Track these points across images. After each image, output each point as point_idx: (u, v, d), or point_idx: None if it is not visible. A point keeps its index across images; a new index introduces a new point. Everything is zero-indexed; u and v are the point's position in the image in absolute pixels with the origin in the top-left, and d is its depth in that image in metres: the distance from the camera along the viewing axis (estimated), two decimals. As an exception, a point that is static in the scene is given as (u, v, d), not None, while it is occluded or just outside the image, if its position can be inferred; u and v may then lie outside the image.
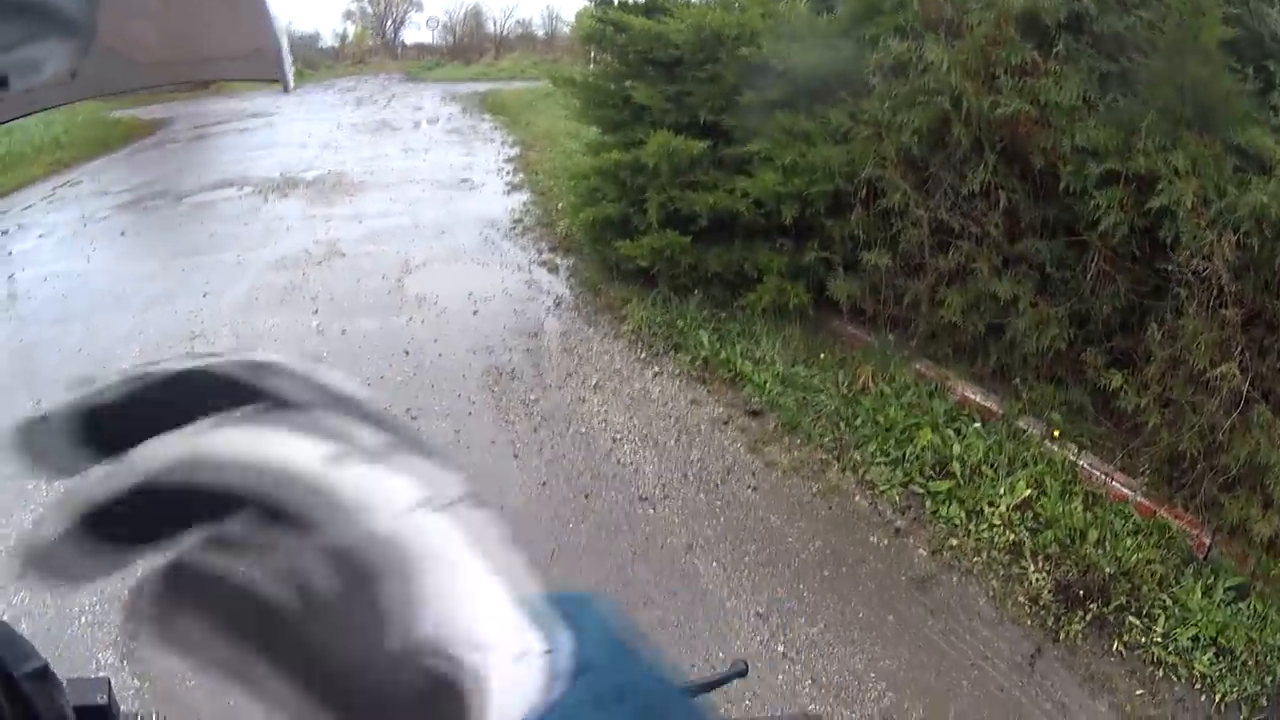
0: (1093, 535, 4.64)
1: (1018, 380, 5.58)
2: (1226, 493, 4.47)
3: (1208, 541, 4.59)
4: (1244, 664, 3.97)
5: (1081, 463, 5.12)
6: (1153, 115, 4.86)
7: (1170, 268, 4.70)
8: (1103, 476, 5.02)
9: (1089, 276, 5.22)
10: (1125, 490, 4.91)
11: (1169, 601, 4.28)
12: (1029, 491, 4.94)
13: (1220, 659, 4.01)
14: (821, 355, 6.57)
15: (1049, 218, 5.44)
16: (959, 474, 5.13)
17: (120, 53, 0.89)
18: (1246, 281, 4.49)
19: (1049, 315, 5.35)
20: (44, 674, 0.76)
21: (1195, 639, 4.10)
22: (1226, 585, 4.36)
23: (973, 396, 5.73)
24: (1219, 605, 4.24)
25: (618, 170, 7.43)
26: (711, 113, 7.12)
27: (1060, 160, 5.15)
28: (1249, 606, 4.23)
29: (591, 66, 9.51)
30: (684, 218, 7.07)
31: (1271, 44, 5.15)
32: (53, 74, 0.62)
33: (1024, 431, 5.38)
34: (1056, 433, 5.27)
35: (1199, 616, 4.17)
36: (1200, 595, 4.29)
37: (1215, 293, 4.52)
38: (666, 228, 7.11)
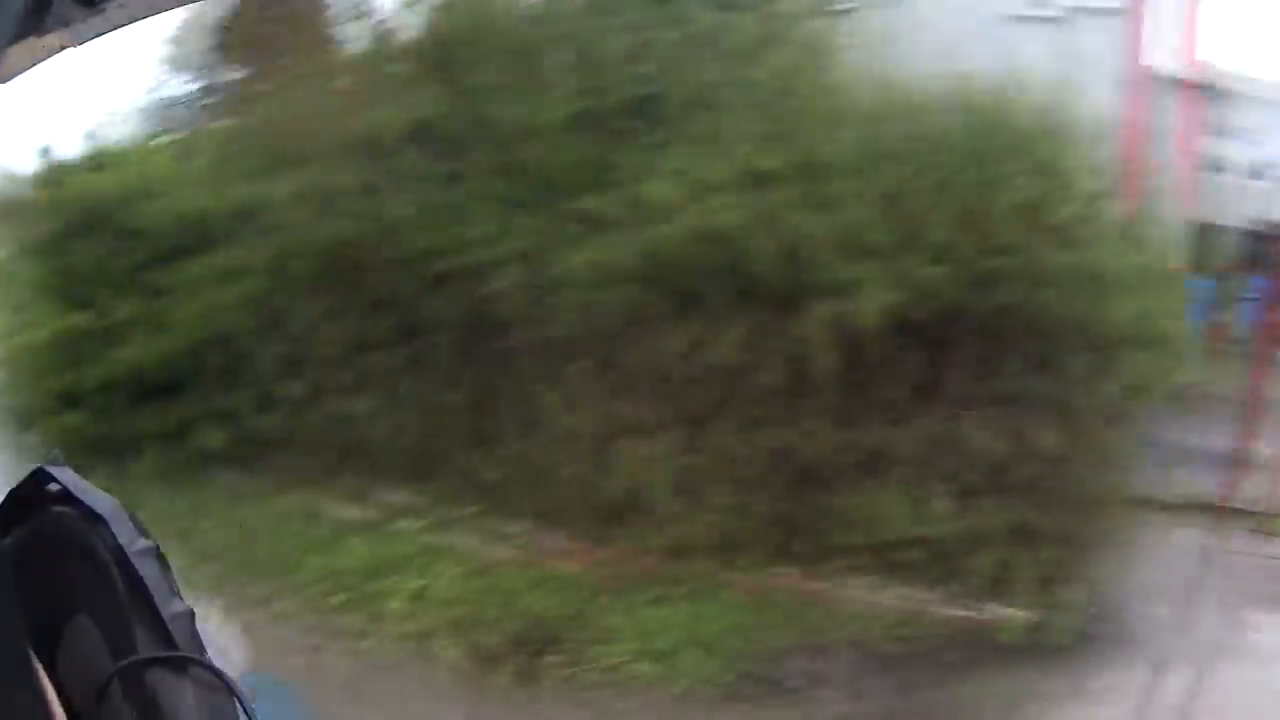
0: (491, 602, 4.96)
1: (386, 486, 5.74)
2: (617, 520, 5.04)
3: (614, 569, 5.11)
4: (690, 654, 4.61)
5: (464, 541, 5.40)
6: (488, 206, 5.33)
7: (512, 345, 5.19)
8: (485, 548, 5.35)
9: (438, 373, 5.53)
10: (511, 553, 5.30)
11: (591, 631, 4.74)
12: (423, 581, 5.12)
13: (661, 660, 4.57)
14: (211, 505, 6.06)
15: (393, 327, 5.65)
16: (355, 585, 5.18)
17: None
18: (597, 336, 5.05)
19: (405, 418, 5.59)
20: (155, 553, 0.85)
21: (634, 652, 4.61)
22: (647, 600, 4.94)
23: (352, 513, 5.76)
24: (643, 618, 4.81)
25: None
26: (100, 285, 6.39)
27: (398, 270, 5.43)
28: (675, 609, 4.88)
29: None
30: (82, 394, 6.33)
31: (635, 102, 5.57)
32: None
33: (406, 530, 5.52)
34: (425, 521, 5.50)
35: (626, 632, 4.69)
36: (622, 615, 4.81)
37: (560, 352, 5.08)
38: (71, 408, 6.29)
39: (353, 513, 5.75)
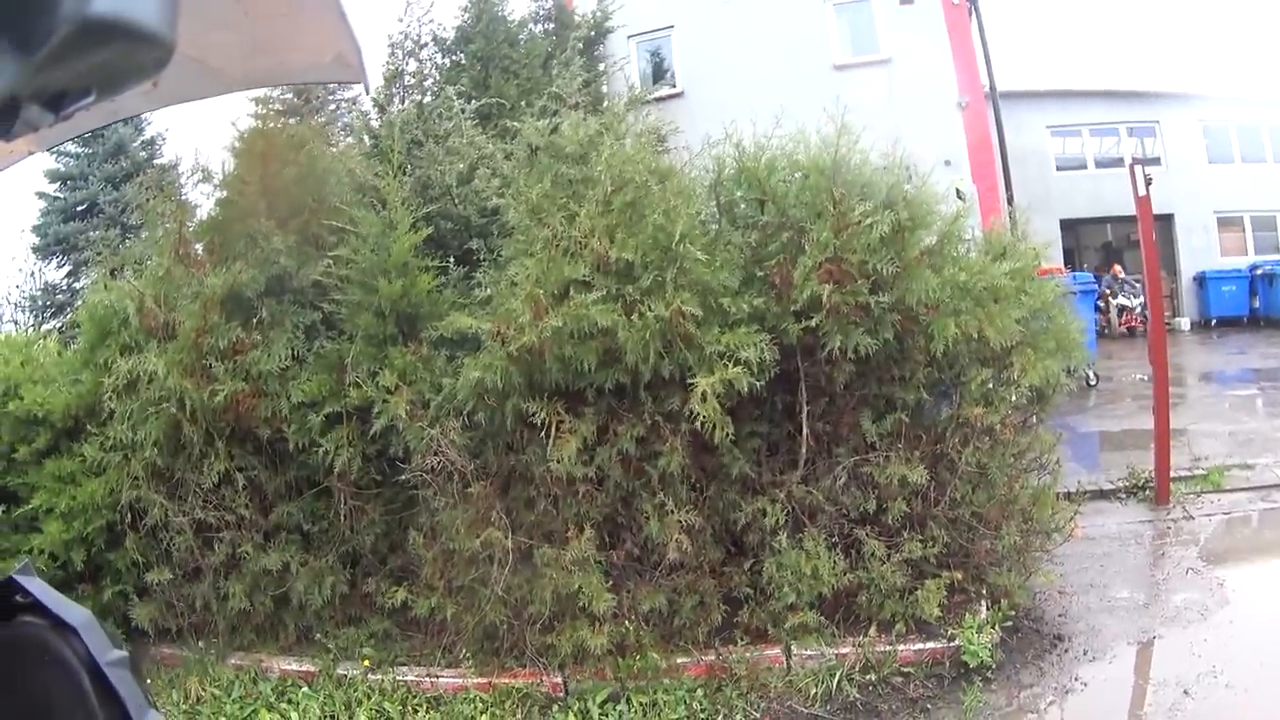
0: None
1: (321, 635, 5.67)
2: (554, 629, 5.06)
3: (561, 680, 5.15)
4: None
5: (408, 678, 5.37)
6: (359, 346, 5.37)
7: (412, 476, 5.13)
8: (431, 681, 5.32)
9: (343, 518, 5.51)
10: (458, 681, 5.27)
11: None
12: None
13: None
14: (149, 681, 5.88)
15: (292, 480, 5.63)
16: None
17: (202, 61, 1.05)
18: (489, 453, 5.15)
19: (321, 567, 5.55)
20: (127, 663, 0.87)
21: None
22: (600, 701, 4.99)
23: (290, 667, 5.69)
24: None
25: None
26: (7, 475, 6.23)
27: (284, 423, 5.38)
28: (631, 704, 4.95)
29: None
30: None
31: (478, 221, 5.90)
32: (135, 82, 0.63)
33: (346, 676, 5.45)
34: (366, 663, 5.47)
35: None
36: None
37: (458, 478, 5.07)
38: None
39: (296, 665, 5.65)
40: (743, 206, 5.42)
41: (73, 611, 0.90)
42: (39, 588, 0.93)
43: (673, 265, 4.76)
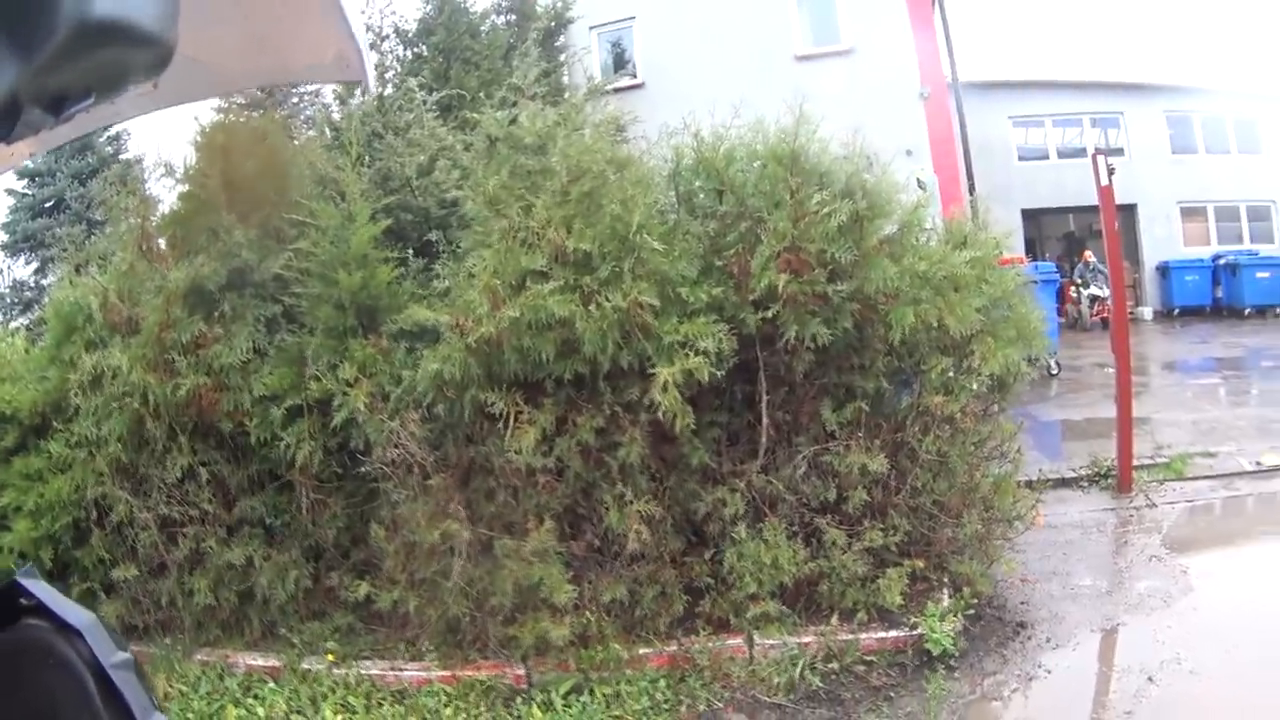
0: None
1: (286, 630, 5.61)
2: (516, 620, 5.02)
3: (524, 672, 5.11)
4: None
5: (372, 672, 5.30)
6: (319, 339, 5.32)
7: (373, 469, 5.13)
8: (395, 674, 5.27)
9: (306, 511, 5.47)
10: (422, 674, 5.21)
11: None
12: (341, 718, 5.00)
13: None
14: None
15: (254, 474, 5.59)
16: None
17: (202, 62, 1.05)
18: (449, 445, 5.13)
19: (284, 561, 5.49)
20: (132, 666, 0.87)
21: None
22: (563, 693, 4.94)
23: (255, 662, 5.64)
24: (566, 711, 4.81)
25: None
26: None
27: (246, 416, 5.35)
28: (594, 696, 4.90)
29: None
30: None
31: (438, 212, 5.86)
32: (135, 84, 0.63)
33: (311, 671, 5.39)
34: (330, 657, 5.41)
35: None
36: (539, 712, 4.80)
37: (418, 470, 5.04)
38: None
39: (262, 660, 5.58)
40: (701, 196, 5.36)
41: (77, 614, 0.90)
42: (43, 590, 0.95)
43: (630, 255, 4.71)
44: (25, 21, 0.54)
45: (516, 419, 4.78)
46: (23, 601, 0.94)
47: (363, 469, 5.19)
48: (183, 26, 0.62)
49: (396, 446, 4.99)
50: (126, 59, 0.59)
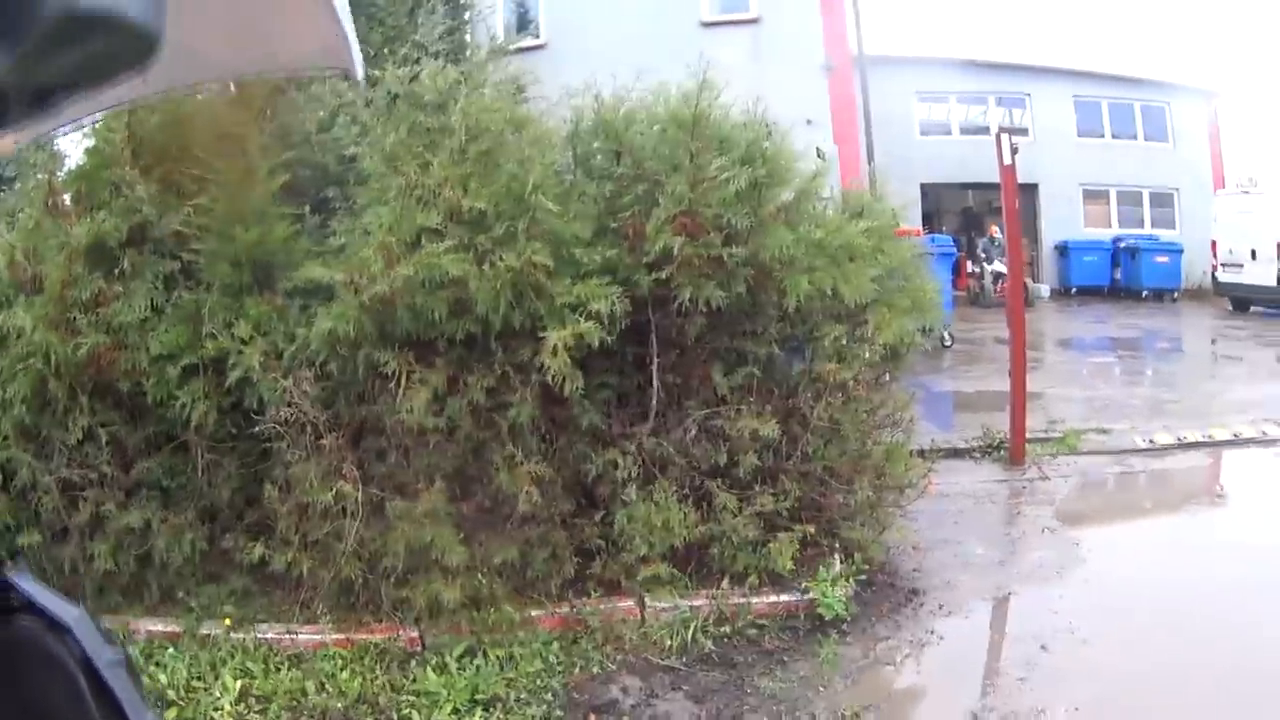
0: (311, 688, 4.77)
1: (184, 594, 5.51)
2: (408, 582, 4.99)
3: (418, 634, 5.07)
4: (514, 698, 4.58)
5: (269, 635, 5.21)
6: (215, 296, 5.16)
7: (266, 429, 5.00)
8: (291, 638, 5.18)
9: (201, 473, 5.33)
10: (317, 638, 5.14)
11: (409, 697, 4.63)
12: (240, 682, 4.91)
13: (490, 709, 4.48)
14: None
15: (151, 435, 5.42)
16: (178, 698, 4.94)
17: (190, 51, 1.02)
18: (341, 404, 5.04)
19: (181, 524, 5.35)
20: (124, 663, 0.86)
21: (454, 711, 4.49)
22: (457, 655, 4.88)
23: (155, 627, 5.52)
24: (460, 674, 4.75)
25: None
26: None
27: (143, 376, 5.18)
28: (486, 659, 4.86)
29: None
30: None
31: (336, 169, 5.76)
32: (122, 74, 0.61)
33: (210, 636, 5.30)
34: (228, 621, 5.31)
35: (444, 694, 4.57)
36: (434, 674, 4.76)
37: (310, 430, 4.94)
38: None
39: (161, 625, 5.42)
40: (599, 158, 5.28)
41: (66, 610, 0.92)
42: (33, 587, 0.96)
43: (525, 215, 4.63)
44: (9, 12, 0.52)
45: (408, 378, 4.69)
46: (13, 599, 0.93)
47: (256, 429, 5.02)
48: (171, 16, 0.60)
49: (289, 405, 4.85)
50: (114, 50, 0.57)
